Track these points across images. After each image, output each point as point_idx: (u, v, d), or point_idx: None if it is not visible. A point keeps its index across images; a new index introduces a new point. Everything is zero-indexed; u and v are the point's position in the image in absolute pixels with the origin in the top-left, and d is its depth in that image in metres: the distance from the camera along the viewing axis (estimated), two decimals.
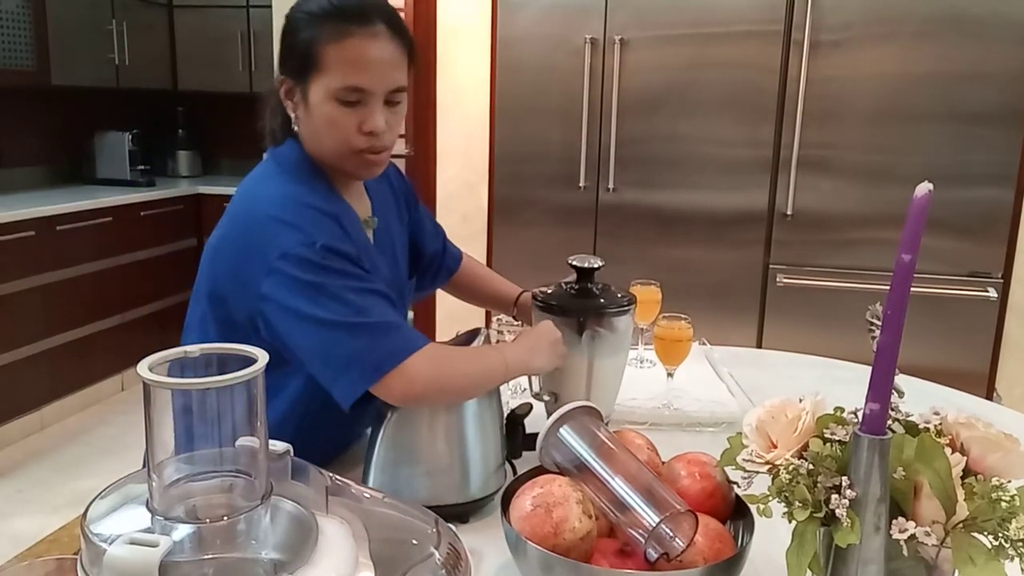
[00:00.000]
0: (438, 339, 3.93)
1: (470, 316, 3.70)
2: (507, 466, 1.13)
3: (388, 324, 1.02)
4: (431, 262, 1.45)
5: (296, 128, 1.13)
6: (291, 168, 1.12)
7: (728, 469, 0.83)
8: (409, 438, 1.05)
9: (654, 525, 0.82)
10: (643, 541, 0.82)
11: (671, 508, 0.82)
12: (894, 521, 0.69)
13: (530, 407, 1.19)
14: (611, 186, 3.02)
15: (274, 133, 1.17)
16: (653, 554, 0.82)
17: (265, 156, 1.18)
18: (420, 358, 1.01)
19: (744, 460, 0.79)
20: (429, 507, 0.74)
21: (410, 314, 4.14)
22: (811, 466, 0.72)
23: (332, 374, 1.01)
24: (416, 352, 1.01)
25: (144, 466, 0.61)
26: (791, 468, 0.73)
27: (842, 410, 0.78)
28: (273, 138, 1.18)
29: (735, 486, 0.90)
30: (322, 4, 1.07)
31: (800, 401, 0.78)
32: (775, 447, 0.77)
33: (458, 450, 1.05)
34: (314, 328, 1.00)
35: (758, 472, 0.78)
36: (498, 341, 1.42)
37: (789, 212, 2.88)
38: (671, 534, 0.84)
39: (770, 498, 0.74)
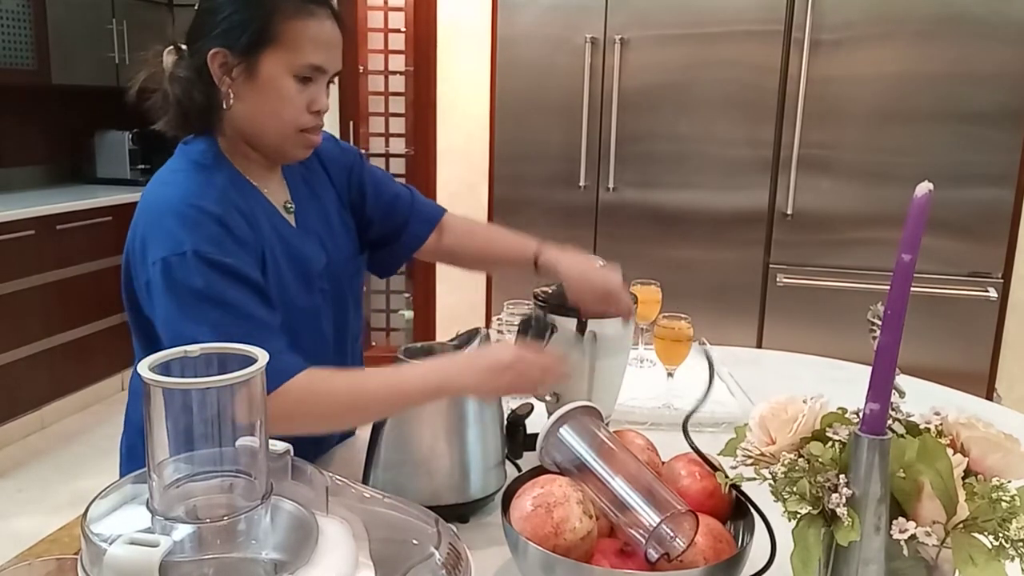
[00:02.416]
0: (438, 340, 3.92)
1: (471, 316, 3.70)
2: (507, 465, 1.12)
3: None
4: (390, 226, 1.35)
5: (226, 105, 1.06)
6: (198, 165, 1.07)
7: (724, 460, 0.83)
8: (409, 438, 1.05)
9: (655, 525, 0.82)
10: (644, 541, 0.82)
11: (672, 508, 0.82)
12: (894, 521, 0.69)
13: (531, 407, 1.19)
14: (611, 186, 3.02)
15: (187, 114, 1.09)
16: (654, 554, 0.82)
17: (176, 152, 1.12)
18: (288, 389, 0.95)
19: (742, 449, 0.79)
20: (429, 507, 0.74)
21: (409, 314, 4.16)
22: (807, 463, 0.72)
23: None
24: (282, 385, 0.95)
25: (144, 466, 0.61)
26: (787, 462, 0.73)
27: (844, 411, 0.78)
28: (185, 120, 1.09)
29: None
30: None
31: (805, 401, 0.78)
32: (773, 443, 0.78)
33: (458, 450, 1.05)
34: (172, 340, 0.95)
35: (750, 460, 0.78)
36: (497, 341, 1.41)
37: (789, 212, 2.88)
38: (672, 534, 0.83)
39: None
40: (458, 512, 1.05)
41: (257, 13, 1.03)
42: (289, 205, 1.19)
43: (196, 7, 1.09)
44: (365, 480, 1.06)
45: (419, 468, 1.04)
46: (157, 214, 1.03)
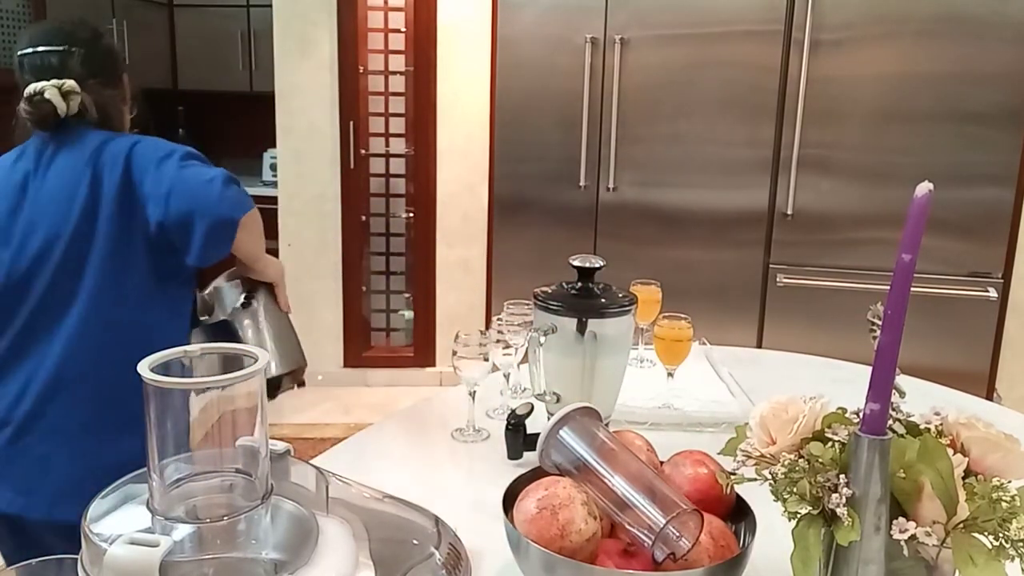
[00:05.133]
0: (437, 340, 3.92)
1: (471, 316, 3.71)
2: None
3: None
4: None
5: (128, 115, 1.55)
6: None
7: (724, 459, 0.83)
8: None
9: (661, 526, 0.81)
10: (648, 541, 0.82)
11: (677, 508, 0.82)
12: (895, 521, 0.69)
13: (531, 407, 1.19)
14: (611, 186, 3.02)
15: (113, 120, 1.50)
16: (660, 555, 0.82)
17: (126, 135, 1.50)
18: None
19: (742, 450, 0.79)
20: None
21: (409, 314, 4.16)
22: (807, 464, 0.72)
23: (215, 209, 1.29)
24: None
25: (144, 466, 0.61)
26: (787, 463, 0.73)
27: (844, 411, 0.78)
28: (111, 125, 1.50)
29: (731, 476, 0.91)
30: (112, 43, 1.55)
31: (806, 401, 0.78)
32: (774, 443, 0.78)
33: None
34: (201, 172, 1.34)
35: (749, 461, 0.78)
36: (498, 341, 1.41)
37: (789, 212, 2.88)
38: (677, 534, 0.83)
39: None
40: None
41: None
42: None
43: (101, 49, 1.48)
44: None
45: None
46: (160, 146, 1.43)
